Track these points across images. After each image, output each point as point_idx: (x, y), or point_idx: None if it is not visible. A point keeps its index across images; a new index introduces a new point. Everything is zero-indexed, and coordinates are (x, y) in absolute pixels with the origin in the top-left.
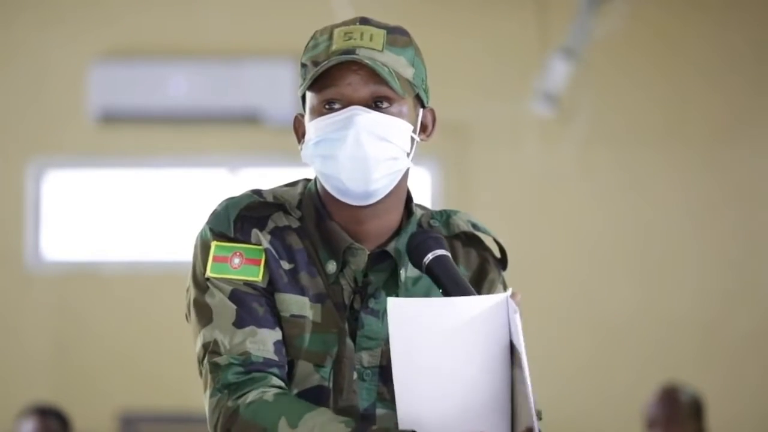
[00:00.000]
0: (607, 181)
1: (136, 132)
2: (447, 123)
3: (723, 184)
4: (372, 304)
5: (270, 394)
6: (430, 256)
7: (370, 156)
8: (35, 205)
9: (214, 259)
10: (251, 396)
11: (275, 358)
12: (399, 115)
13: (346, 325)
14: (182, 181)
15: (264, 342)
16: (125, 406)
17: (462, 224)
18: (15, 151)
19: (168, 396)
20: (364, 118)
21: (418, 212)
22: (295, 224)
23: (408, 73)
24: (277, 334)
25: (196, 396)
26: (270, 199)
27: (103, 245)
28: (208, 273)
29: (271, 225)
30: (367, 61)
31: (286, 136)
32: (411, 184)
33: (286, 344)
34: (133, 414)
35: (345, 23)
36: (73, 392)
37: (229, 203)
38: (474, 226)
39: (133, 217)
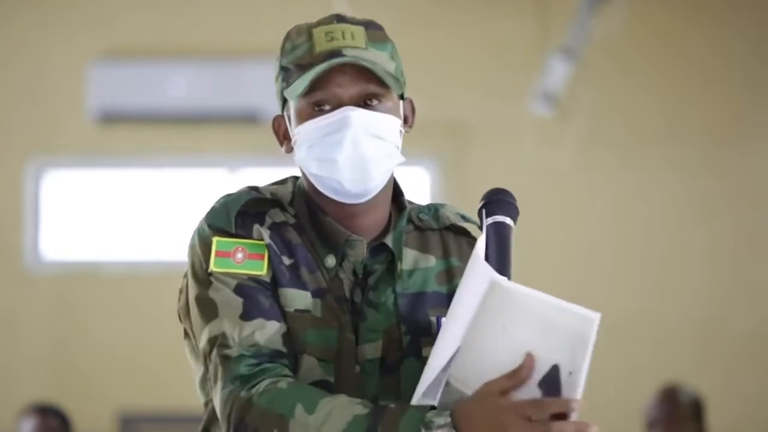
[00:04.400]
0: (606, 181)
1: (136, 132)
2: (446, 123)
3: (722, 184)
4: (372, 296)
5: (284, 382)
6: (490, 220)
7: (368, 156)
8: (35, 205)
9: (217, 254)
10: (264, 385)
11: (283, 349)
12: (388, 111)
13: (348, 318)
14: (182, 181)
15: (273, 334)
16: (124, 406)
17: (451, 216)
18: (15, 151)
19: (167, 396)
20: (359, 117)
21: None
22: (291, 220)
23: (391, 67)
24: (283, 327)
25: (195, 396)
26: (267, 195)
27: (102, 245)
28: (212, 268)
29: (269, 221)
30: (364, 63)
31: None
32: (409, 183)
33: (291, 338)
34: (132, 414)
35: (322, 22)
36: (72, 392)
37: (228, 200)
38: (463, 217)
39: (133, 217)
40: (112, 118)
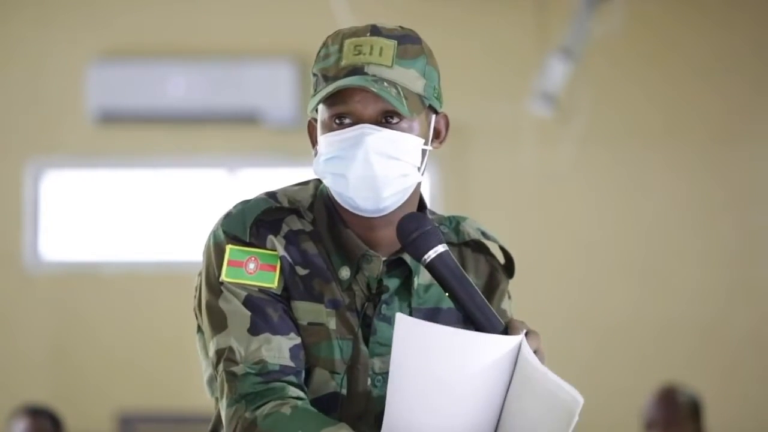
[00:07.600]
0: (605, 181)
1: (135, 132)
2: None
3: (722, 185)
4: (384, 310)
5: (287, 406)
6: (431, 254)
7: (379, 176)
8: (34, 206)
9: (229, 263)
10: (269, 407)
11: (292, 364)
12: (409, 129)
13: (360, 331)
14: (181, 182)
15: (279, 349)
16: (123, 407)
17: (471, 231)
18: (14, 151)
19: (166, 396)
20: (374, 137)
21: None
22: (308, 228)
23: (418, 85)
24: (293, 340)
25: (195, 396)
26: (285, 203)
27: (101, 245)
28: (223, 277)
29: (285, 229)
30: (374, 89)
31: (285, 136)
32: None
33: (304, 351)
34: (131, 414)
35: (356, 33)
36: (72, 392)
37: (245, 207)
38: (483, 234)
39: (132, 218)
40: (111, 118)
